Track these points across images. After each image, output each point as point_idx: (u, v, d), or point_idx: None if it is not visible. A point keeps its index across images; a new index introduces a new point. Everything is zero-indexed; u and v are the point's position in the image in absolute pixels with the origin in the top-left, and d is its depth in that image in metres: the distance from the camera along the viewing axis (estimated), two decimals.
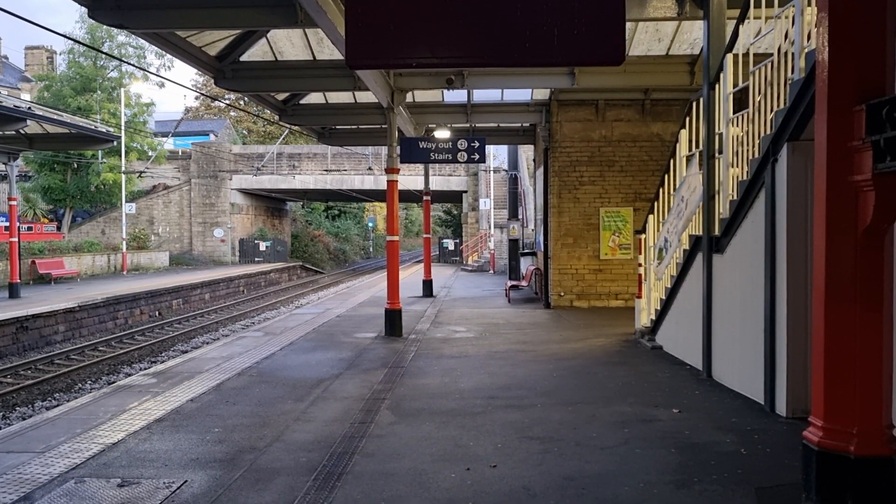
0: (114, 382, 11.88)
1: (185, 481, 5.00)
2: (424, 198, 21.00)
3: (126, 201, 35.43)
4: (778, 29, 6.82)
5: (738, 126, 7.89)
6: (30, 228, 34.70)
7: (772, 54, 6.88)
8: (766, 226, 6.77)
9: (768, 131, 6.86)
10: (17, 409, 12.44)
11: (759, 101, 7.21)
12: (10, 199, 21.49)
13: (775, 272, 6.66)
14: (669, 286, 10.03)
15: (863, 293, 4.22)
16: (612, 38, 4.20)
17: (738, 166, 7.88)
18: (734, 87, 7.85)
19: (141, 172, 37.30)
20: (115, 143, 24.98)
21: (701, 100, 8.80)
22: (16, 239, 21.42)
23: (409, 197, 42.08)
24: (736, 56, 7.79)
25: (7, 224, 24.12)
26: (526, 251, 22.55)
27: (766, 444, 5.76)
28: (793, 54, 6.37)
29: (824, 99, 4.32)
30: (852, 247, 4.24)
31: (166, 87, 70.83)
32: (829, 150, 4.29)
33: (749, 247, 7.31)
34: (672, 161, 10.32)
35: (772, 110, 6.88)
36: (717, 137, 8.34)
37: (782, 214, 6.53)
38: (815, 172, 4.46)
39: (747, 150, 7.56)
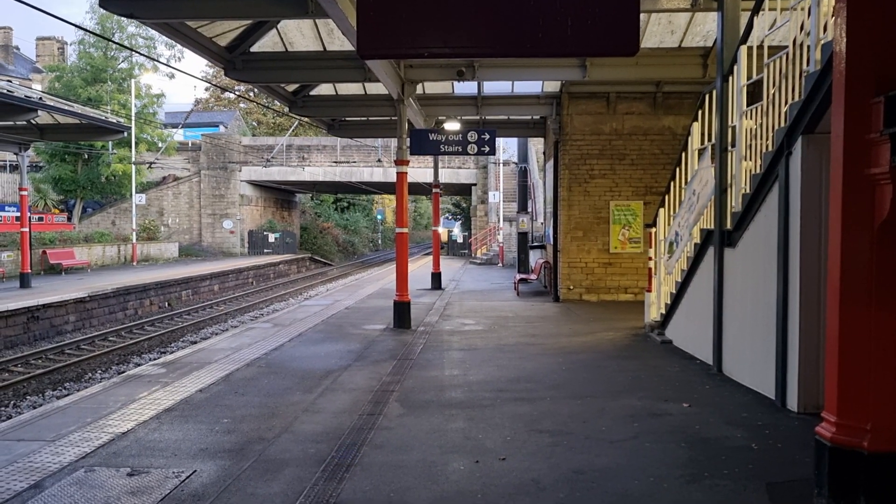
0: (124, 372, 11.92)
1: (195, 471, 5.00)
2: (434, 190, 20.99)
3: (136, 192, 35.56)
4: (793, 20, 6.74)
5: (751, 119, 7.82)
6: (41, 219, 34.88)
7: (787, 46, 6.81)
8: (780, 220, 6.71)
9: (782, 124, 6.80)
10: (28, 398, 12.52)
11: (774, 94, 7.14)
12: (21, 189, 21.59)
13: (788, 266, 6.60)
14: (680, 280, 9.97)
15: (878, 288, 4.17)
16: (626, 28, 4.15)
17: (751, 160, 7.82)
18: (748, 80, 7.78)
19: (151, 163, 37.41)
20: (125, 134, 25.04)
21: (714, 92, 8.73)
22: (27, 229, 21.51)
23: (418, 189, 41.99)
24: (750, 48, 7.71)
25: (18, 214, 24.21)
26: (535, 244, 22.51)
27: (778, 440, 5.72)
28: (808, 46, 6.29)
29: (841, 91, 4.26)
30: (868, 241, 4.19)
31: (176, 78, 71.13)
32: (845, 143, 4.23)
33: (762, 241, 7.26)
34: (684, 154, 10.25)
35: (786, 103, 6.81)
36: (730, 130, 8.27)
37: (796, 208, 6.46)
38: (830, 165, 4.40)
39: (761, 144, 7.49)
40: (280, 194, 47.56)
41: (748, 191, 7.59)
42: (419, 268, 28.27)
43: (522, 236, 22.48)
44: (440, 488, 4.72)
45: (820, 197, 6.21)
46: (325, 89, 16.37)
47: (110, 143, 33.73)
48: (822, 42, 5.93)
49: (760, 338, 7.21)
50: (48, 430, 6.04)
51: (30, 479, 4.85)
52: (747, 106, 7.83)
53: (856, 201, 4.21)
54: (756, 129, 7.66)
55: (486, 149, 13.85)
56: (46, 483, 4.78)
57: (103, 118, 21.01)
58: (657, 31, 12.51)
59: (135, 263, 32.85)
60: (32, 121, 18.85)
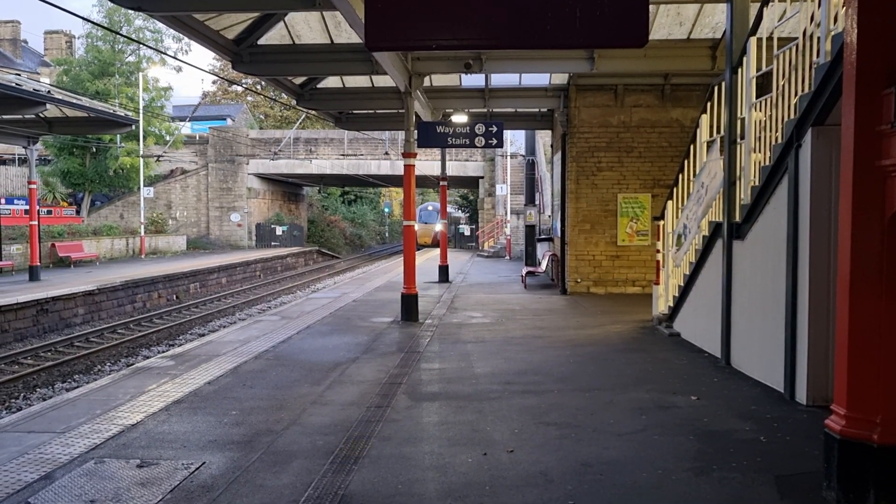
0: (132, 365, 11.97)
1: (204, 463, 5.02)
2: (441, 183, 20.98)
3: (144, 185, 35.64)
4: (803, 11, 6.69)
5: (760, 111, 7.78)
6: (49, 212, 35.01)
7: (796, 38, 6.76)
8: (789, 212, 6.68)
9: (792, 116, 6.76)
10: (38, 390, 12.60)
11: (783, 86, 7.10)
12: (29, 182, 21.67)
13: (797, 259, 6.58)
14: (688, 273, 9.95)
15: (889, 280, 4.14)
16: (635, 19, 4.14)
17: (760, 152, 7.78)
18: (757, 72, 7.73)
19: (159, 157, 37.47)
20: (133, 127, 25.12)
21: (723, 84, 8.68)
22: (35, 222, 21.60)
23: (425, 182, 42.08)
24: (759, 40, 7.66)
25: (27, 208, 24.31)
26: (542, 237, 22.49)
27: (786, 433, 5.71)
28: (818, 37, 6.25)
29: (852, 82, 4.23)
30: (879, 233, 4.17)
31: (184, 71, 71.15)
32: (856, 135, 4.21)
33: (771, 233, 7.23)
34: (692, 146, 10.20)
35: (796, 95, 6.77)
36: (739, 122, 8.22)
37: (805, 200, 6.43)
38: (841, 157, 4.38)
39: (770, 136, 7.46)
40: (287, 187, 47.60)
41: (757, 183, 7.55)
42: (426, 260, 28.28)
43: (530, 229, 22.45)
44: (448, 480, 4.73)
45: (830, 189, 6.18)
46: (332, 82, 16.36)
47: (118, 136, 33.77)
48: (833, 33, 5.89)
49: (769, 330, 7.18)
50: (58, 421, 6.07)
51: (40, 470, 4.88)
52: (756, 98, 7.79)
53: (866, 193, 4.19)
54: (765, 121, 7.62)
55: (494, 141, 13.82)
56: (57, 474, 4.80)
57: (111, 111, 21.06)
58: (666, 23, 12.44)
59: (143, 256, 32.96)
60: (41, 114, 18.91)
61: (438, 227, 49.79)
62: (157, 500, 4.36)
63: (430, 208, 51.78)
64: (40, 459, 5.09)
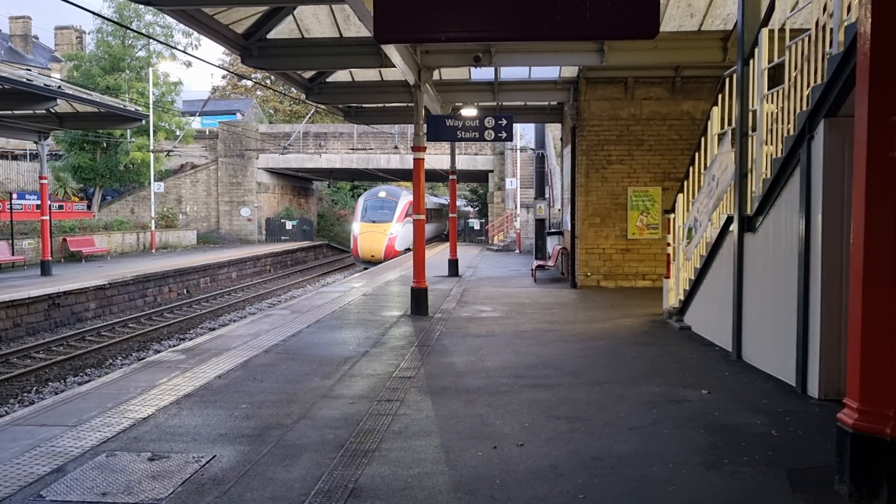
0: (143, 358, 12.03)
1: (214, 456, 5.04)
2: (450, 177, 20.95)
3: (154, 180, 35.78)
4: (816, 1, 6.63)
5: (772, 103, 7.71)
6: (61, 207, 35.15)
7: (809, 29, 6.70)
8: (801, 204, 6.63)
9: (804, 108, 6.70)
10: (50, 383, 12.68)
11: (795, 77, 7.03)
12: (41, 177, 21.75)
13: (810, 251, 6.53)
14: (699, 266, 9.89)
15: None
16: (645, 10, 4.11)
17: (771, 144, 7.72)
18: (769, 63, 7.67)
19: (169, 151, 37.61)
20: (143, 122, 25.16)
21: (734, 76, 8.62)
22: (47, 217, 21.71)
23: (434, 176, 41.95)
24: (771, 31, 7.60)
25: (39, 202, 24.43)
26: (552, 231, 22.44)
27: (798, 426, 5.67)
28: (831, 28, 6.19)
29: (866, 72, 4.19)
30: (892, 225, 4.13)
31: (193, 66, 71.12)
32: (869, 126, 4.16)
33: (783, 226, 7.18)
34: (703, 139, 10.14)
35: (808, 86, 6.71)
36: (750, 114, 8.16)
37: (818, 192, 6.38)
38: (854, 148, 4.34)
39: (782, 128, 7.39)
40: (297, 182, 47.67)
41: (769, 175, 7.50)
42: (436, 255, 28.25)
43: (540, 223, 22.41)
44: (458, 474, 4.72)
45: (842, 181, 6.12)
46: (341, 76, 16.35)
47: (129, 131, 33.93)
48: (846, 23, 5.83)
49: (781, 324, 7.14)
50: (70, 415, 6.10)
51: (52, 463, 4.91)
52: (768, 89, 7.72)
53: (879, 184, 4.15)
54: (777, 113, 7.56)
55: (503, 135, 13.77)
56: (68, 467, 4.83)
57: (121, 106, 21.10)
58: (676, 15, 12.35)
59: (153, 251, 33.11)
60: (51, 109, 18.98)
61: (396, 228, 29.99)
62: (168, 493, 4.38)
63: (381, 194, 33.40)
64: (52, 452, 5.12)
